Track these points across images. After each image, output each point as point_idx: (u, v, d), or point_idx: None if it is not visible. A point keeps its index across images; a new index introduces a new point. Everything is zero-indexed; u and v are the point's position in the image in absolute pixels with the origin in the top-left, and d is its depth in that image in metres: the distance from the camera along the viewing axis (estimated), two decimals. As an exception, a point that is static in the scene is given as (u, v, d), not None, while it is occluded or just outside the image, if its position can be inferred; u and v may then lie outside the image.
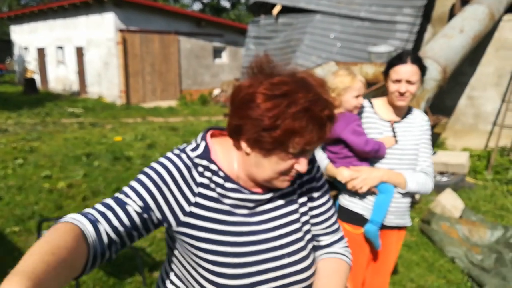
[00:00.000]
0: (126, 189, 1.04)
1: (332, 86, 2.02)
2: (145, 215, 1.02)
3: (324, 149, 2.16)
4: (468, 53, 5.97)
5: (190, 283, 1.11)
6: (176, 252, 1.13)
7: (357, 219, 2.10)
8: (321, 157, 2.14)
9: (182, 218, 1.05)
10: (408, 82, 1.99)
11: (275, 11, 9.41)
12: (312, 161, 1.21)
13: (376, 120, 2.13)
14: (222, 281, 1.04)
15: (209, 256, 1.05)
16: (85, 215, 0.95)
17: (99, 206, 1.00)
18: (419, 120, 2.16)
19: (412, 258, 3.66)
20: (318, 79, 1.02)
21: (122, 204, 1.00)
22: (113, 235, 0.97)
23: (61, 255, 0.77)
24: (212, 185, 1.07)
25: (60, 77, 17.71)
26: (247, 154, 1.04)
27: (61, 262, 0.77)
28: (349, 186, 2.02)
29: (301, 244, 1.13)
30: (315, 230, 1.21)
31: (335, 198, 2.20)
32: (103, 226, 0.95)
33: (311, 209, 1.20)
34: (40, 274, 0.71)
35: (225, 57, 18.41)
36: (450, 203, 4.42)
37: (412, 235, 4.11)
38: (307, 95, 0.96)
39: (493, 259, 3.52)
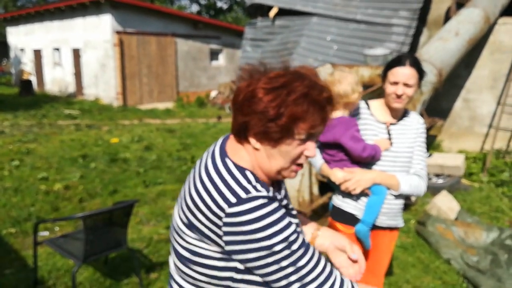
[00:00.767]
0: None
1: (341, 92, 2.02)
2: None
3: (321, 150, 2.17)
4: (463, 56, 6.01)
5: None
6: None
7: (350, 219, 2.12)
8: (317, 157, 2.16)
9: None
10: (406, 84, 2.00)
11: (272, 13, 9.44)
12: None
13: (372, 122, 2.14)
14: None
15: None
16: None
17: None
18: (414, 123, 2.17)
19: (408, 260, 3.68)
20: (310, 69, 1.09)
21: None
22: None
23: None
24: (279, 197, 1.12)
25: (56, 78, 17.66)
26: (257, 149, 1.07)
27: None
28: (343, 187, 2.04)
29: None
30: None
31: (330, 198, 2.21)
32: None
33: None
34: None
35: (222, 59, 18.43)
36: (446, 205, 4.44)
37: (408, 237, 4.13)
38: (303, 82, 1.03)
39: (489, 261, 3.54)
